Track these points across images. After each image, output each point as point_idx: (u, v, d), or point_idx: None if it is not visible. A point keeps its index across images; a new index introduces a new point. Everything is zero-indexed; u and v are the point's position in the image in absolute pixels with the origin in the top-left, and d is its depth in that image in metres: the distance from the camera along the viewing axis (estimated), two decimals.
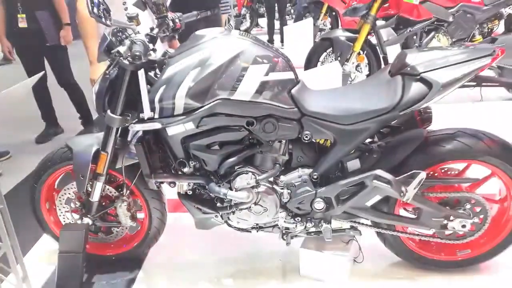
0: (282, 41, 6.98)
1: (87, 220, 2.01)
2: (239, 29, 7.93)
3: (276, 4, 7.18)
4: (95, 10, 1.50)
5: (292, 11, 8.70)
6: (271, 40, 7.27)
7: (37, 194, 2.09)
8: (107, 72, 1.72)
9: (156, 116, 1.71)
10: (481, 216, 1.88)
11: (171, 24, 1.90)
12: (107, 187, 2.04)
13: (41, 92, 3.84)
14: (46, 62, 3.81)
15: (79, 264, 1.97)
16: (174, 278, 2.13)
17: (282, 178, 1.86)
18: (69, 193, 2.10)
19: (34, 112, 4.03)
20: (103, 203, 2.08)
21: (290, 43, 5.89)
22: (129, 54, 1.62)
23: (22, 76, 4.01)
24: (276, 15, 7.36)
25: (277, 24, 7.36)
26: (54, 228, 2.18)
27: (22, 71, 3.81)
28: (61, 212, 2.15)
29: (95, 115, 4.15)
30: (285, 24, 7.07)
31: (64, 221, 2.16)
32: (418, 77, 1.67)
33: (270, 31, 7.30)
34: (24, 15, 3.57)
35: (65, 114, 4.20)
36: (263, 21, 8.44)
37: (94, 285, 2.09)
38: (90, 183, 1.97)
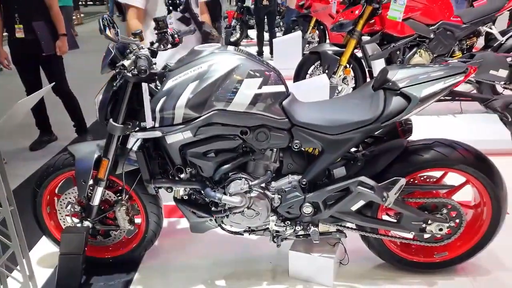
0: (271, 52, 7.15)
1: (87, 224, 2.11)
2: (230, 40, 8.10)
3: (265, 17, 7.36)
4: (106, 27, 1.63)
5: (281, 23, 8.90)
6: (260, 52, 7.43)
7: (39, 199, 2.18)
8: (114, 84, 1.84)
9: (157, 125, 1.83)
10: (457, 221, 2.03)
11: (170, 39, 2.03)
12: (107, 192, 2.15)
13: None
14: (41, 71, 3.89)
15: (79, 265, 2.06)
16: (169, 279, 2.22)
17: (273, 184, 1.98)
18: (70, 198, 2.19)
19: (29, 120, 4.10)
20: (102, 207, 2.18)
21: (279, 55, 6.04)
22: (132, 67, 1.75)
23: (12, 83, 4.09)
24: (266, 27, 7.54)
25: (266, 36, 7.53)
26: (54, 231, 2.27)
27: (11, 79, 3.87)
28: (61, 216, 2.24)
29: (89, 123, 4.24)
30: (275, 37, 7.24)
31: (64, 225, 2.25)
32: (398, 91, 1.82)
33: (260, 43, 7.46)
34: (21, 26, 3.65)
35: (59, 122, 4.28)
36: (252, 33, 8.61)
37: (92, 286, 2.17)
38: (91, 188, 2.07)
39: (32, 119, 4.10)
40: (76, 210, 2.20)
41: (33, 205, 2.20)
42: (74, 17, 12.90)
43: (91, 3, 21.10)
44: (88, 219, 2.11)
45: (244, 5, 8.72)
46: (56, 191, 2.26)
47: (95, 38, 10.49)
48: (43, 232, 2.28)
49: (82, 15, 14.05)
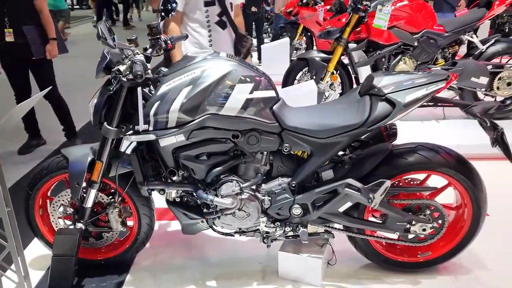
0: (259, 58, 7.23)
1: (80, 225, 2.14)
2: None
3: (253, 23, 7.45)
4: (103, 35, 1.69)
5: (269, 30, 8.99)
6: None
7: (32, 201, 2.20)
8: (108, 88, 1.88)
9: (151, 128, 1.88)
10: (440, 221, 2.11)
11: (163, 45, 2.07)
12: (100, 194, 2.18)
13: None
14: (31, 75, 3.89)
15: (71, 267, 2.07)
16: (160, 280, 2.26)
17: (264, 186, 2.04)
18: (63, 200, 2.22)
19: (17, 124, 4.08)
20: (95, 210, 2.21)
21: (268, 61, 6.12)
22: (128, 72, 1.80)
23: (1, 87, 4.09)
24: (254, 33, 7.62)
25: (254, 42, 7.61)
26: (46, 234, 2.29)
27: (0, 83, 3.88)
28: (54, 218, 2.26)
29: (78, 127, 4.25)
30: (263, 43, 7.32)
31: (57, 227, 2.27)
32: (384, 97, 1.91)
33: None
34: (11, 30, 3.65)
35: (47, 126, 4.28)
36: None
37: (84, 287, 2.20)
38: (84, 190, 2.11)
39: (20, 123, 4.10)
40: (68, 212, 2.23)
41: (26, 208, 2.22)
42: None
43: (77, 7, 20.97)
44: (81, 221, 2.14)
45: None
46: (49, 193, 2.28)
47: (83, 42, 10.49)
48: (35, 234, 2.30)
49: None
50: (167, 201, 2.14)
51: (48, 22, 3.77)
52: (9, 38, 3.66)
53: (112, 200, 2.18)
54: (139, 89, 1.80)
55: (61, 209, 2.23)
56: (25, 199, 2.20)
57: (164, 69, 1.97)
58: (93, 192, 2.08)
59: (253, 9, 7.12)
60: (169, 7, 2.35)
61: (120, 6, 14.55)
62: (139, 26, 13.54)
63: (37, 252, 2.44)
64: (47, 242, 2.29)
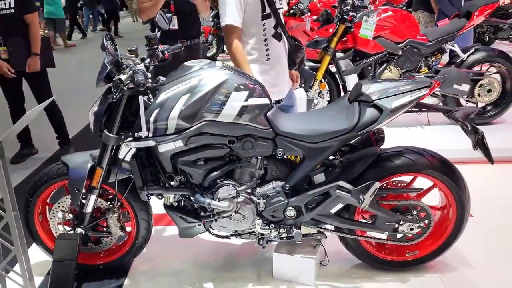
0: None
1: (80, 231, 2.19)
2: (206, 55, 8.23)
3: None
4: (107, 45, 1.77)
5: None
6: None
7: (32, 208, 2.25)
8: (109, 96, 1.96)
9: (150, 135, 1.95)
10: (426, 221, 2.21)
11: (160, 55, 2.15)
12: (99, 199, 2.23)
13: (18, 114, 3.93)
14: (25, 84, 3.92)
15: (71, 271, 2.12)
16: (158, 284, 2.31)
17: (259, 189, 2.12)
18: (62, 206, 2.27)
19: None
20: (94, 215, 2.26)
21: None
22: (128, 81, 1.87)
23: None
24: None
25: None
26: (46, 240, 2.33)
27: None
28: (53, 224, 2.31)
29: (71, 136, 4.29)
30: None
31: (56, 233, 2.31)
32: (371, 103, 2.01)
33: None
34: (5, 48, 3.68)
35: (39, 135, 4.30)
36: None
37: None
38: (84, 196, 2.16)
39: None
40: (67, 218, 2.28)
41: (25, 214, 2.26)
42: (41, 31, 12.84)
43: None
44: (81, 226, 2.19)
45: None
46: (48, 200, 2.33)
47: (68, 53, 10.49)
48: (34, 240, 2.34)
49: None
50: (165, 205, 2.21)
51: (35, 37, 3.76)
52: (4, 56, 3.69)
53: (111, 205, 2.23)
54: (140, 97, 1.87)
55: (60, 215, 2.28)
56: (25, 205, 2.24)
57: (162, 78, 2.05)
58: (93, 198, 2.14)
59: None
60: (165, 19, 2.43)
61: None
62: (126, 36, 13.62)
63: (36, 257, 2.46)
64: (46, 248, 2.34)
